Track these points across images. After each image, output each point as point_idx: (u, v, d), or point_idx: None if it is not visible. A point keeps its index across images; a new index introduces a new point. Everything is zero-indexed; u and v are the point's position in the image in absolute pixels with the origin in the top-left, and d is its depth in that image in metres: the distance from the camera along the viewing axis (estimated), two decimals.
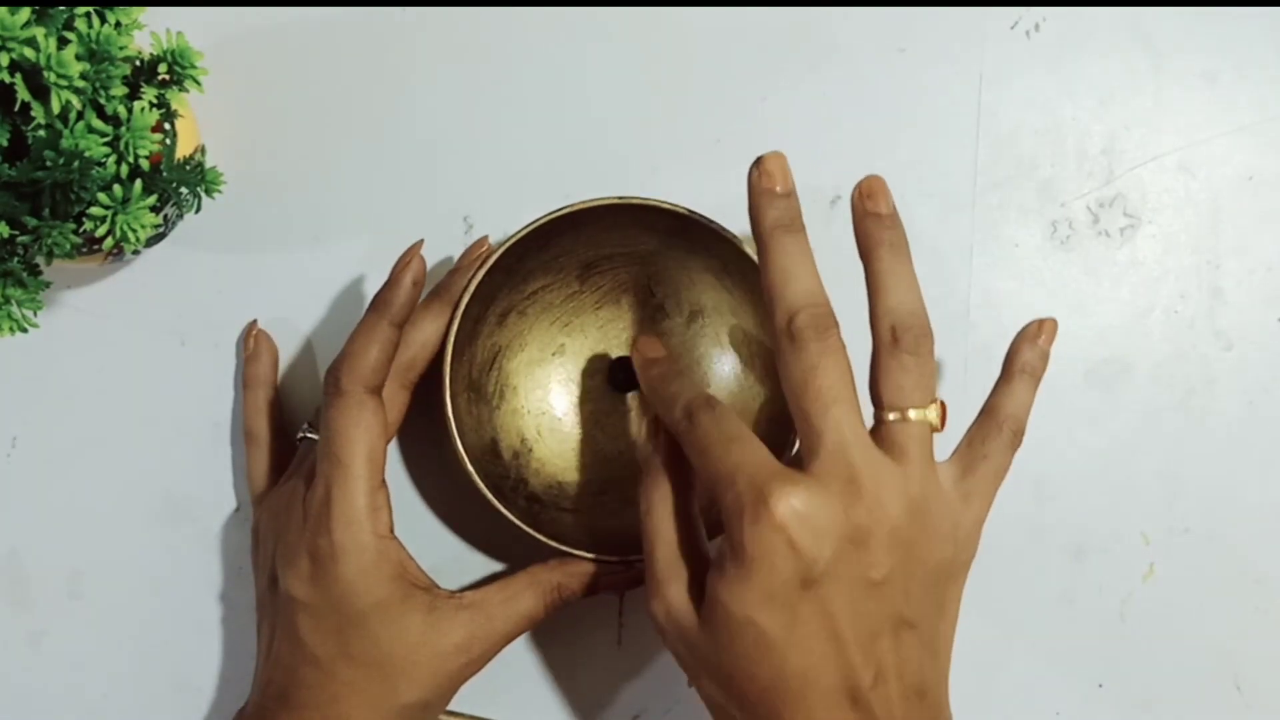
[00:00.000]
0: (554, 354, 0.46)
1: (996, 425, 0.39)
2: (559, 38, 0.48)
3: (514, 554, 0.47)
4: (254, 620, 0.47)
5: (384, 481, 0.40)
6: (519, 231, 0.42)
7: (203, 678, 0.47)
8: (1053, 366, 0.48)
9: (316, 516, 0.39)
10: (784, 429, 0.44)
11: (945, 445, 0.38)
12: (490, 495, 0.41)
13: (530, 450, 0.45)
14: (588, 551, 0.42)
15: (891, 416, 0.36)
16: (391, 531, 0.40)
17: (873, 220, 0.37)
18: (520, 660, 0.48)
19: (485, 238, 0.46)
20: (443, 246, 0.48)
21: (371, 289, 0.47)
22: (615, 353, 0.46)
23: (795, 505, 0.34)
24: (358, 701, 0.40)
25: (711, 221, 0.42)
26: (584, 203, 0.42)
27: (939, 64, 0.49)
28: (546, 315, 0.46)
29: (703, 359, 0.46)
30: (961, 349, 0.48)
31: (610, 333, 0.46)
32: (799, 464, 0.36)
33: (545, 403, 0.46)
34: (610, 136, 0.48)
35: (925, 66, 0.48)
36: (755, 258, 0.41)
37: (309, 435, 0.44)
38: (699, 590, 0.36)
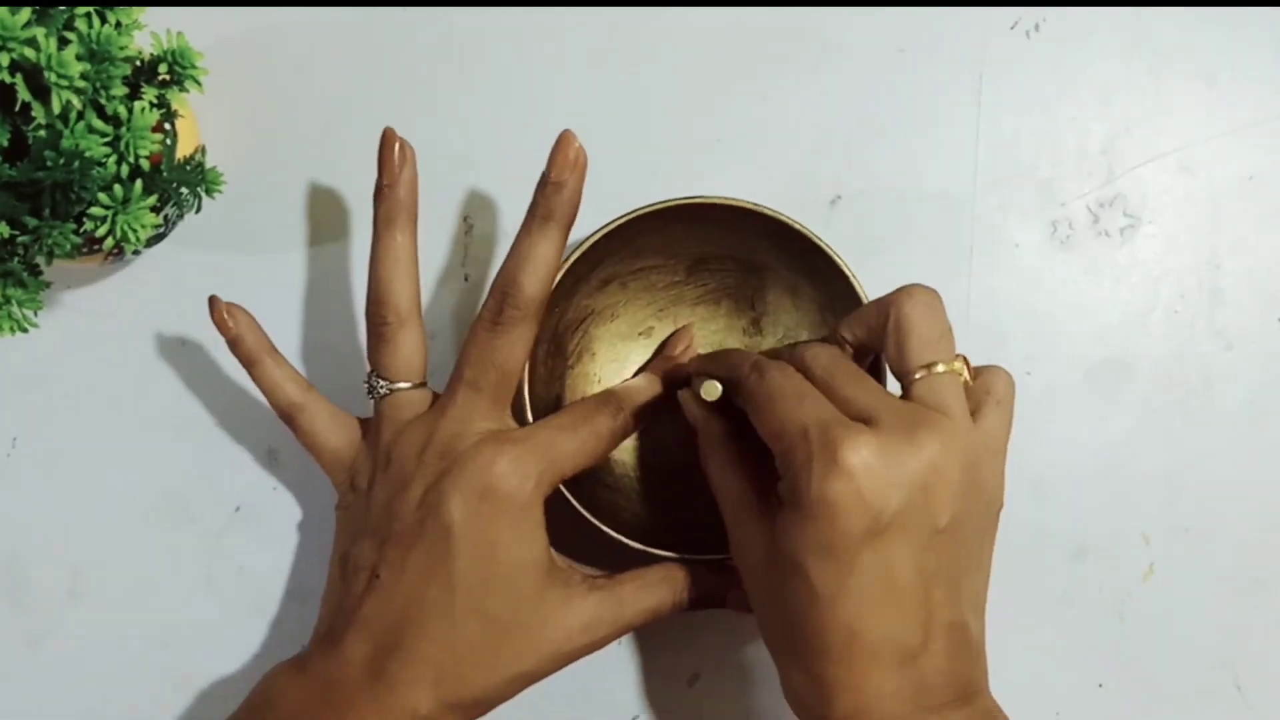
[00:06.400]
0: (640, 334, 0.46)
1: (991, 369, 0.39)
2: (558, 37, 0.48)
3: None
4: (253, 620, 0.47)
5: None
6: (647, 207, 0.41)
7: (203, 678, 0.47)
8: (1053, 366, 0.49)
9: (524, 455, 0.39)
10: None
11: None
12: None
13: None
14: (623, 535, 0.42)
15: (919, 375, 0.36)
16: None
17: None
18: None
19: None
20: (443, 247, 0.48)
21: None
22: (699, 349, 0.46)
23: (865, 455, 0.34)
24: (478, 662, 0.39)
25: (837, 255, 0.42)
26: (720, 198, 0.42)
27: (939, 64, 0.49)
28: (645, 295, 0.46)
29: None
30: (961, 349, 0.48)
31: (700, 331, 0.46)
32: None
33: (618, 377, 0.46)
34: (610, 136, 0.48)
35: (925, 66, 0.48)
36: (864, 299, 0.42)
37: (393, 386, 0.42)
38: (770, 534, 0.37)
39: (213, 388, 0.47)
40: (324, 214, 0.48)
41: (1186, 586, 0.48)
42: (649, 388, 0.43)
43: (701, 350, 0.46)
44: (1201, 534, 0.48)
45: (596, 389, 0.46)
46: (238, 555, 0.47)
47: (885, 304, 0.38)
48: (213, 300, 0.43)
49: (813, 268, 0.43)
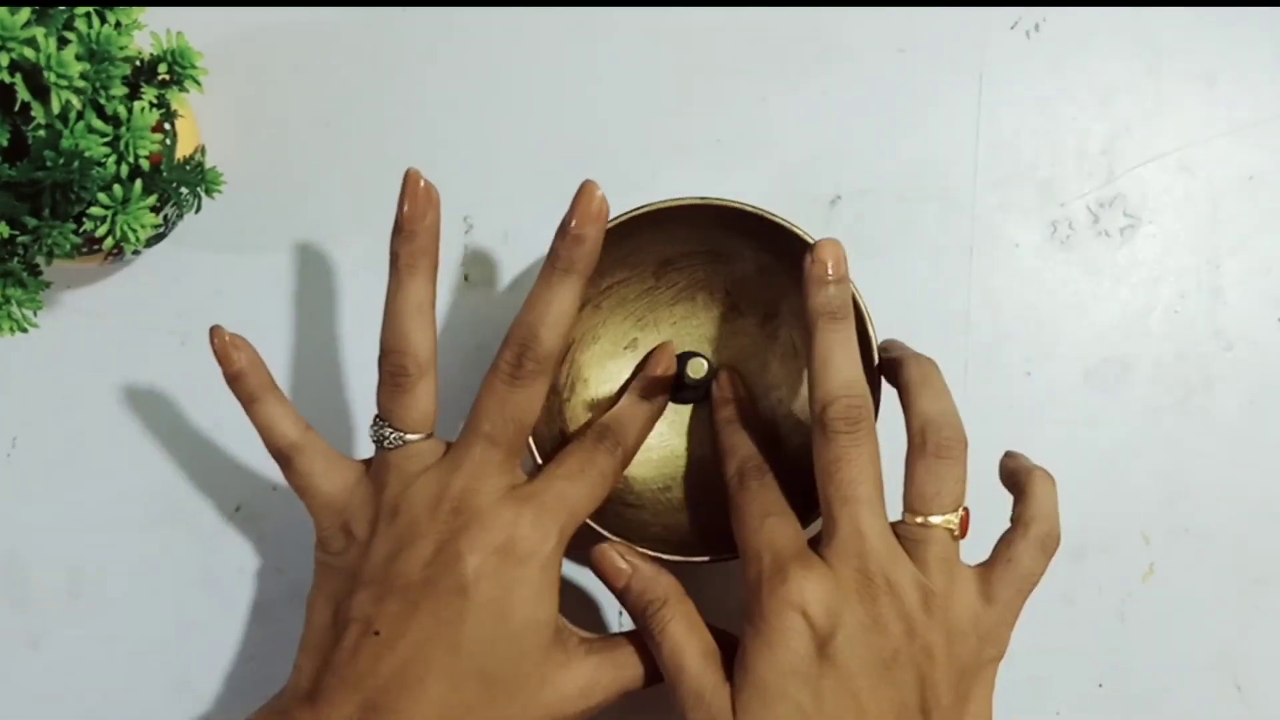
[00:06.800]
0: (626, 348, 0.46)
1: (1023, 528, 0.39)
2: (559, 37, 0.48)
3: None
4: (253, 620, 0.47)
5: None
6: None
7: (203, 678, 0.47)
8: (1053, 366, 0.49)
9: (544, 511, 0.38)
10: None
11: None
12: None
13: None
14: (653, 550, 0.41)
15: (914, 520, 0.37)
16: None
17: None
18: None
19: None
20: (443, 247, 0.47)
21: (370, 289, 0.47)
22: (689, 348, 0.46)
23: (808, 587, 0.36)
24: None
25: (795, 227, 0.41)
26: (667, 201, 0.41)
27: (939, 64, 0.49)
28: (621, 309, 0.46)
29: (771, 362, 0.46)
30: (961, 349, 0.48)
31: (684, 329, 0.46)
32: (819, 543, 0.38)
33: (616, 396, 0.46)
34: (611, 136, 0.48)
35: (925, 66, 0.49)
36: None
37: (406, 437, 0.40)
38: (729, 684, 0.38)
39: (213, 387, 0.47)
40: (324, 214, 0.48)
41: (1186, 586, 0.48)
42: (639, 414, 0.43)
43: (693, 347, 0.46)
44: (1201, 534, 0.48)
45: (598, 414, 0.45)
46: (238, 555, 0.47)
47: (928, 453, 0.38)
48: (215, 330, 0.40)
49: (774, 242, 0.43)
